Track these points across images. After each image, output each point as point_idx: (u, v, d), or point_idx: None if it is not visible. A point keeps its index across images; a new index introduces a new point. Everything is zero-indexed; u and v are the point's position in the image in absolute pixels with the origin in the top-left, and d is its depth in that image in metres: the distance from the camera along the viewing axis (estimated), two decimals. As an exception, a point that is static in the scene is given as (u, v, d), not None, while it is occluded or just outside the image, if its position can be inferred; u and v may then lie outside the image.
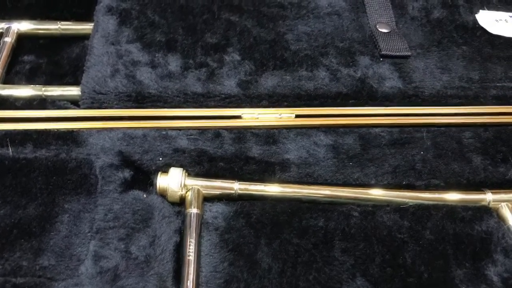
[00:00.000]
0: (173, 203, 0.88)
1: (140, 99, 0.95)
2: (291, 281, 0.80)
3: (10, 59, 1.03)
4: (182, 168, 0.88)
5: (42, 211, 0.83)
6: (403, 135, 0.97)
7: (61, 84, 1.01)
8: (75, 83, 0.98)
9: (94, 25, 1.04)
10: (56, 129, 0.91)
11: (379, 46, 1.05)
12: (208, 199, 0.88)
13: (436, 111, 1.00)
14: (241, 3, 1.10)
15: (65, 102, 0.96)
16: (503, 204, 0.90)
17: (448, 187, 0.93)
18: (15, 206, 0.83)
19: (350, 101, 1.00)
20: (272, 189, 0.89)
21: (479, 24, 1.12)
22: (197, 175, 0.90)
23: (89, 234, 0.82)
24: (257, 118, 0.95)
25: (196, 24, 1.05)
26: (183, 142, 0.92)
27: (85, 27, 1.07)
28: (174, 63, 0.99)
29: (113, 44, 1.00)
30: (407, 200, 0.89)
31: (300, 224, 0.86)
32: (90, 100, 0.94)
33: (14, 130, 0.91)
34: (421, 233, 0.86)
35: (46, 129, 0.91)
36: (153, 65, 0.98)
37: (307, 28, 1.07)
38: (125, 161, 0.90)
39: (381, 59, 1.04)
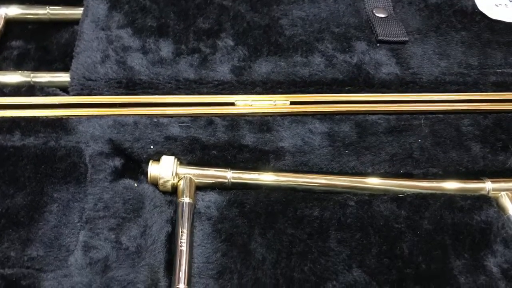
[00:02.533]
0: (164, 192, 0.87)
1: (131, 86, 0.94)
2: (286, 272, 0.79)
3: (-2, 45, 1.02)
4: (174, 157, 0.87)
5: (31, 201, 0.82)
6: (401, 123, 0.96)
7: (50, 70, 1.00)
8: (65, 69, 0.97)
9: (83, 10, 1.02)
10: (45, 116, 0.90)
11: (375, 31, 1.04)
12: (200, 188, 0.87)
13: (434, 98, 0.99)
14: (234, -13, 1.08)
15: (54, 88, 0.94)
16: (503, 193, 0.89)
17: (446, 176, 0.92)
18: (2, 195, 0.82)
19: (346, 88, 0.99)
20: (266, 177, 0.87)
21: (478, 9, 1.11)
22: (189, 163, 0.89)
23: (78, 224, 0.81)
24: (251, 105, 0.94)
25: (188, 8, 1.04)
26: (175, 130, 0.91)
27: (75, 12, 1.06)
28: (165, 48, 0.98)
29: (103, 29, 0.99)
30: (404, 189, 0.88)
31: (294, 214, 0.85)
32: (80, 86, 0.93)
33: (2, 117, 0.89)
34: (419, 223, 0.85)
35: (34, 117, 0.90)
36: (144, 51, 0.97)
37: (302, 13, 1.06)
38: (116, 149, 0.89)
39: (377, 45, 1.03)
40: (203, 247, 0.81)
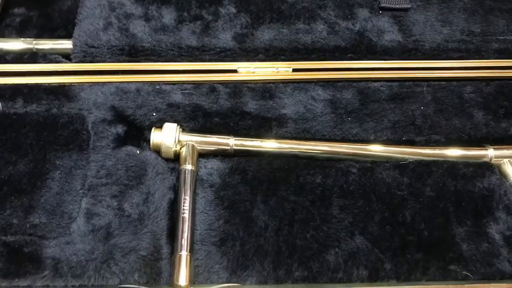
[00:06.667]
0: (167, 159, 0.87)
1: (133, 53, 0.94)
2: (288, 239, 0.79)
3: (0, 12, 1.01)
4: (176, 124, 0.86)
5: (33, 168, 0.82)
6: (403, 90, 0.96)
7: (53, 37, 0.99)
8: (67, 36, 0.97)
9: (86, -24, 1.01)
10: (48, 83, 0.90)
11: (378, -2, 1.03)
12: (203, 155, 0.86)
13: (437, 65, 0.98)
14: (236, -46, 1.07)
15: (57, 55, 0.94)
16: (505, 160, 0.89)
17: (449, 143, 0.92)
18: (5, 162, 0.82)
19: (349, 55, 0.98)
20: (269, 145, 0.87)
21: (481, -25, 1.10)
22: (192, 130, 0.89)
23: (81, 191, 0.81)
24: (253, 72, 0.94)
25: (190, -25, 1.03)
26: (177, 97, 0.90)
27: (77, -21, 1.04)
28: (168, 16, 0.97)
29: (105, -4, 0.98)
30: (406, 156, 0.88)
31: (297, 181, 0.85)
32: (82, 54, 0.93)
33: (4, 84, 0.89)
34: (421, 190, 0.85)
35: (37, 84, 0.90)
36: (146, 18, 0.96)
37: (304, -20, 1.05)
38: (118, 116, 0.89)
39: (380, 12, 1.02)
40: (206, 214, 0.81)
